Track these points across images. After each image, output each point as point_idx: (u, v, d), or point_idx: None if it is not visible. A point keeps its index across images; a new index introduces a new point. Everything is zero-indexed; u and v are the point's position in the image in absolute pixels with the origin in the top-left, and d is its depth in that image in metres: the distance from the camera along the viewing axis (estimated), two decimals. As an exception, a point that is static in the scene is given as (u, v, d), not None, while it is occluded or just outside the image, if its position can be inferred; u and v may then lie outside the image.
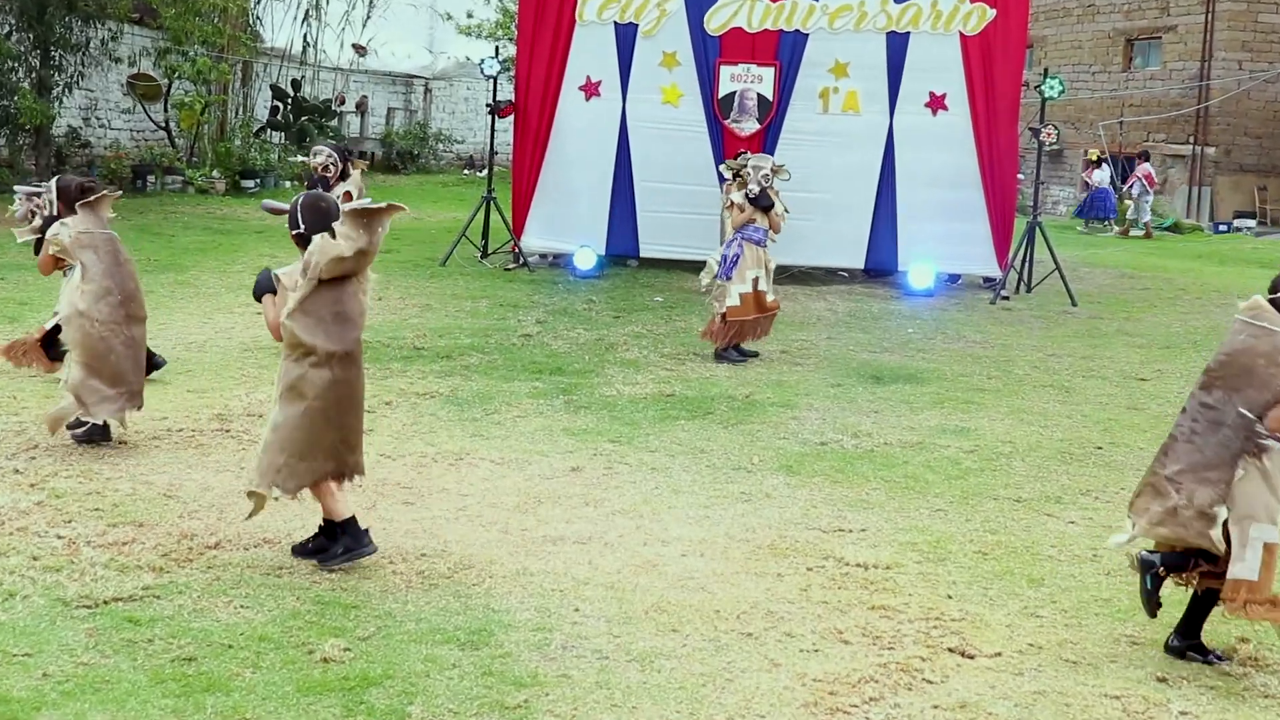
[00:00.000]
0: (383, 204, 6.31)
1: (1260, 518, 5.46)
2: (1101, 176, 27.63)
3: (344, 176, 11.46)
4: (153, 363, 10.07)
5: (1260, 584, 5.44)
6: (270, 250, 17.61)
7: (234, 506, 7.29)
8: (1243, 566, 5.45)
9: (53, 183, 7.89)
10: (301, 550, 6.58)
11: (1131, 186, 26.97)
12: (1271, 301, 5.57)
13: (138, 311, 8.43)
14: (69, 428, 8.24)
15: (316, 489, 6.44)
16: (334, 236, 6.21)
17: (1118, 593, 6.63)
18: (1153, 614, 5.77)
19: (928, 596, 6.47)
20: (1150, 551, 5.83)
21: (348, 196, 11.37)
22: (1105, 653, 5.90)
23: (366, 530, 6.50)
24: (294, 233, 6.42)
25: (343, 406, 6.47)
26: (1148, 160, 27.22)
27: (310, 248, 6.26)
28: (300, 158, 11.44)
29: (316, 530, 6.62)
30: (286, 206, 6.66)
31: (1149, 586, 5.75)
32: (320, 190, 6.58)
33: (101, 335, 8.16)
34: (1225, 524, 5.50)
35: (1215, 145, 28.31)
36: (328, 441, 6.43)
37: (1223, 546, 5.51)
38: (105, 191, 8.56)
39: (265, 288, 6.45)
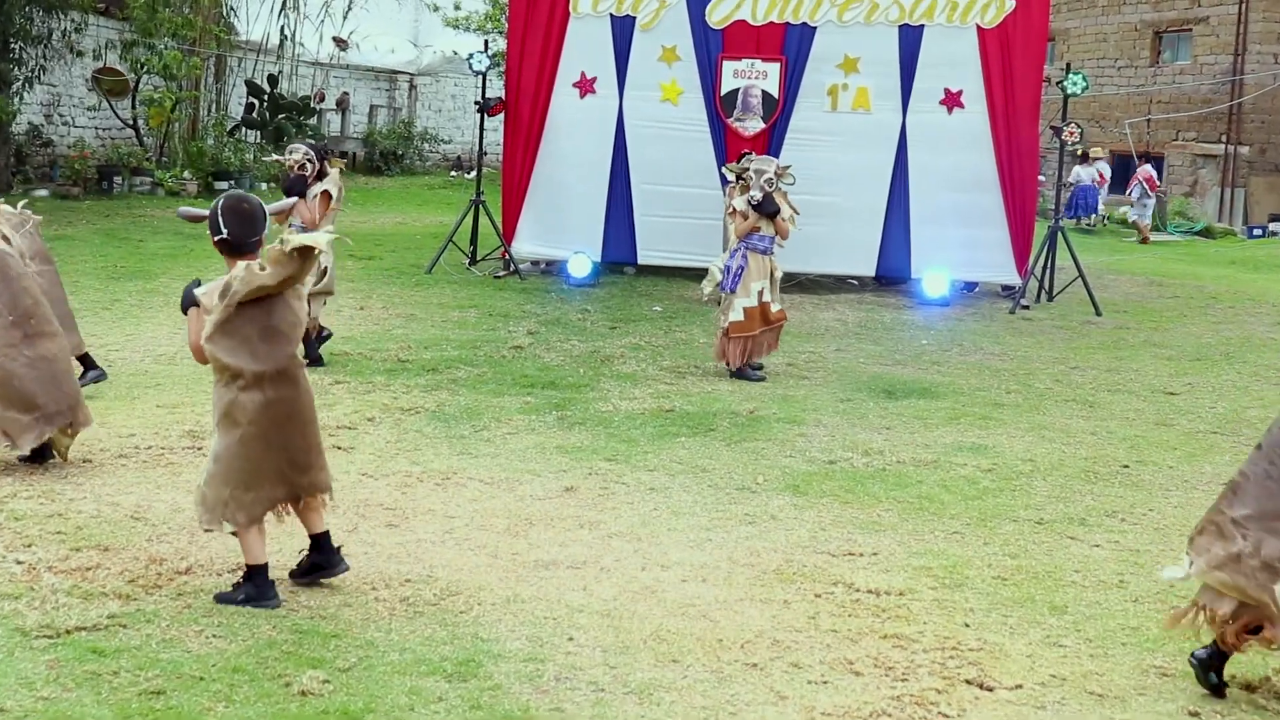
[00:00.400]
0: (328, 238, 6.26)
1: None
2: (1083, 174, 27.63)
3: (321, 176, 11.43)
4: (85, 375, 10.13)
5: None
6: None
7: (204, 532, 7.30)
8: None
9: None
10: (300, 574, 6.56)
11: (1131, 190, 27.05)
12: None
13: (41, 328, 8.28)
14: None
15: (241, 529, 6.32)
16: (262, 250, 6.17)
17: (1146, 621, 6.63)
18: (1221, 696, 5.70)
19: (944, 625, 6.46)
20: (1203, 649, 5.77)
21: (325, 196, 11.38)
22: (1133, 685, 5.89)
23: (273, 583, 6.38)
24: (216, 239, 6.28)
25: (283, 428, 6.34)
26: (1149, 162, 27.26)
27: (233, 272, 6.16)
28: (275, 157, 11.42)
29: (308, 549, 6.58)
30: (203, 213, 6.53)
31: (1213, 681, 5.69)
32: (243, 192, 6.49)
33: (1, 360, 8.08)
34: None
35: (1249, 144, 28.36)
36: (271, 467, 6.32)
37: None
38: None
39: (191, 301, 6.30)
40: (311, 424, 6.55)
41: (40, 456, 8.28)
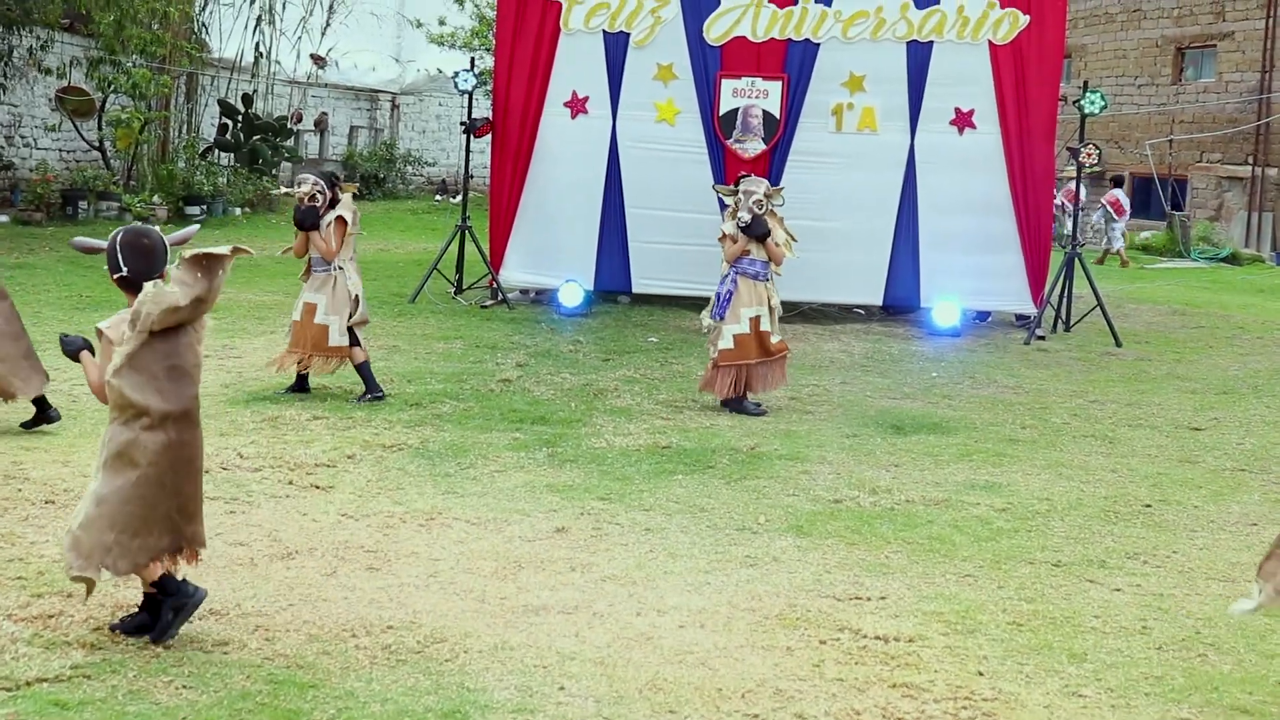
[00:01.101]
0: (225, 248, 6.22)
1: None
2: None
3: (333, 203, 11.52)
4: (45, 415, 10.27)
5: None
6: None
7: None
8: None
9: None
10: (124, 626, 6.45)
11: (1095, 214, 27.16)
12: None
13: None
14: None
15: (144, 569, 6.28)
16: (164, 281, 6.14)
17: (1170, 670, 6.64)
18: None
19: (956, 673, 6.47)
20: None
21: (340, 222, 11.44)
22: (1156, 736, 5.91)
23: (187, 584, 6.39)
24: (115, 276, 6.30)
25: (179, 472, 6.32)
26: (1119, 186, 27.29)
27: (140, 296, 6.12)
28: (285, 190, 11.40)
29: (140, 605, 6.50)
30: (101, 244, 6.57)
31: None
32: (143, 225, 6.50)
33: None
34: None
35: (1277, 166, 28.43)
36: (162, 512, 6.27)
37: None
38: None
39: (77, 346, 6.36)
40: (200, 472, 6.53)
41: None
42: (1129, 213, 27.52)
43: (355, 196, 12.02)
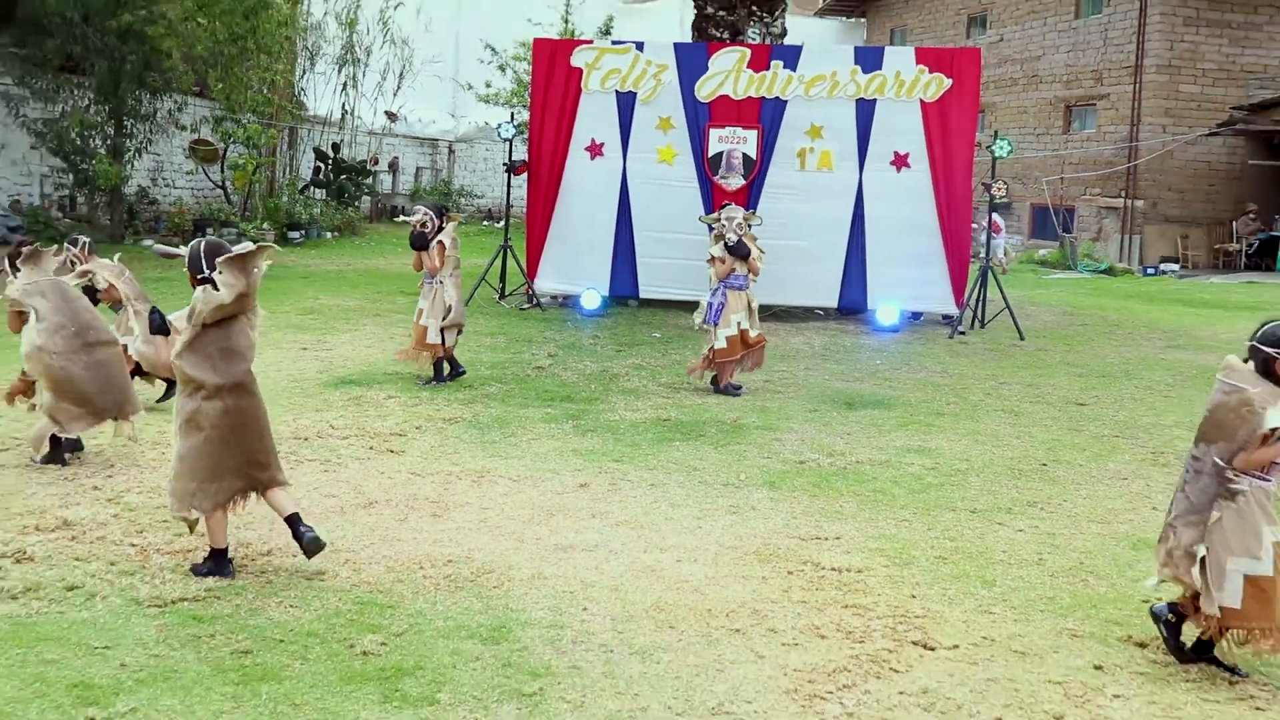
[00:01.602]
0: (254, 246, 6.23)
1: (1237, 553, 5.47)
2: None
3: (440, 230, 11.56)
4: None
5: (1244, 612, 5.46)
6: (314, 293, 17.67)
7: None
8: (1223, 595, 5.47)
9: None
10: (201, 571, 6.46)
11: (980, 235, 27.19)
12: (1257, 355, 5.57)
13: (97, 338, 8.44)
14: (41, 460, 8.33)
15: (210, 516, 6.34)
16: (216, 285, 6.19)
17: (1060, 592, 6.65)
18: (1181, 661, 5.70)
19: (894, 596, 6.49)
20: (1164, 603, 5.85)
21: (441, 246, 11.47)
22: (1049, 645, 5.92)
23: (230, 562, 6.44)
24: (199, 276, 6.29)
25: (240, 432, 6.37)
26: (996, 211, 27.24)
27: (195, 296, 6.22)
28: (404, 218, 11.43)
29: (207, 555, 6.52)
30: (179, 251, 6.69)
31: (1164, 634, 5.75)
32: (219, 239, 6.55)
33: (59, 364, 8.22)
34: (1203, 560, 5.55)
35: (1143, 199, 28.42)
36: (232, 464, 6.34)
37: (1200, 582, 5.54)
38: (37, 247, 8.69)
39: (159, 329, 6.49)
40: (267, 430, 6.57)
41: (74, 448, 8.49)
42: (1004, 231, 27.48)
43: (458, 225, 12.05)
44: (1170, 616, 5.77)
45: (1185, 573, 5.59)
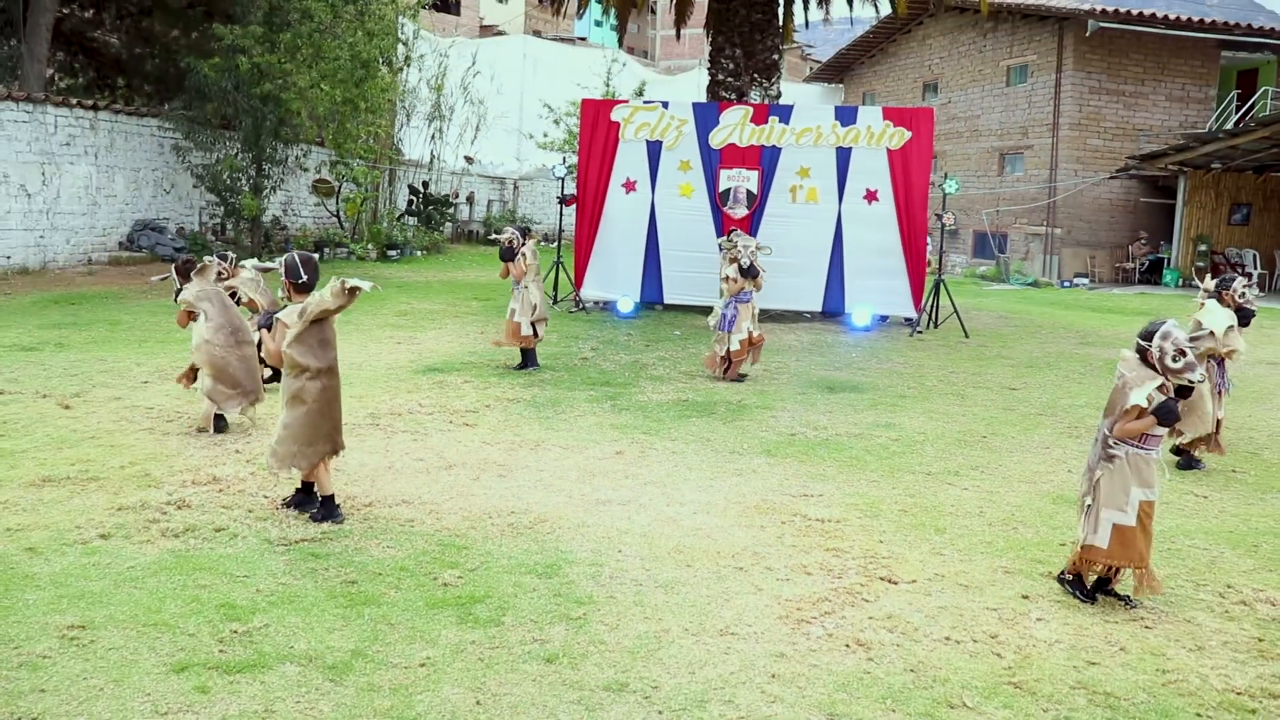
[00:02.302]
0: (367, 284, 6.20)
1: (1109, 505, 5.47)
2: None
3: (522, 245, 11.63)
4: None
5: (1109, 552, 5.46)
6: (407, 299, 17.69)
7: (382, 477, 7.32)
8: (1096, 538, 5.50)
9: (281, 261, 7.77)
10: (290, 502, 6.57)
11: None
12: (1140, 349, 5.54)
13: (245, 338, 8.54)
14: (201, 430, 8.42)
15: (315, 470, 6.42)
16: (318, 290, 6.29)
17: (996, 538, 6.59)
18: (1091, 601, 5.62)
19: (866, 541, 6.44)
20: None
21: (524, 258, 11.57)
22: (987, 579, 5.87)
23: (338, 506, 6.47)
24: (297, 281, 6.42)
25: (331, 405, 6.44)
26: (995, 238, 27.21)
27: (309, 300, 6.29)
28: (495, 236, 11.49)
29: (296, 489, 6.63)
30: (273, 265, 6.86)
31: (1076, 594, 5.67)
32: (308, 252, 6.61)
33: (221, 355, 8.35)
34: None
35: (1060, 227, 28.28)
36: (324, 430, 6.41)
37: (1080, 522, 5.63)
38: (205, 262, 8.75)
39: (265, 323, 6.53)
40: (341, 402, 6.60)
41: (222, 425, 8.52)
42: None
43: (537, 242, 12.12)
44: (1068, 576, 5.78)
45: (1080, 519, 5.65)
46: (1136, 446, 5.44)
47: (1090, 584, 5.67)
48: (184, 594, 5.21)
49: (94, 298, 16.00)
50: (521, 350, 11.76)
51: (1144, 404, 5.36)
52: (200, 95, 21.32)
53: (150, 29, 26.39)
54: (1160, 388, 5.37)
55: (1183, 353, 5.34)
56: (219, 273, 9.09)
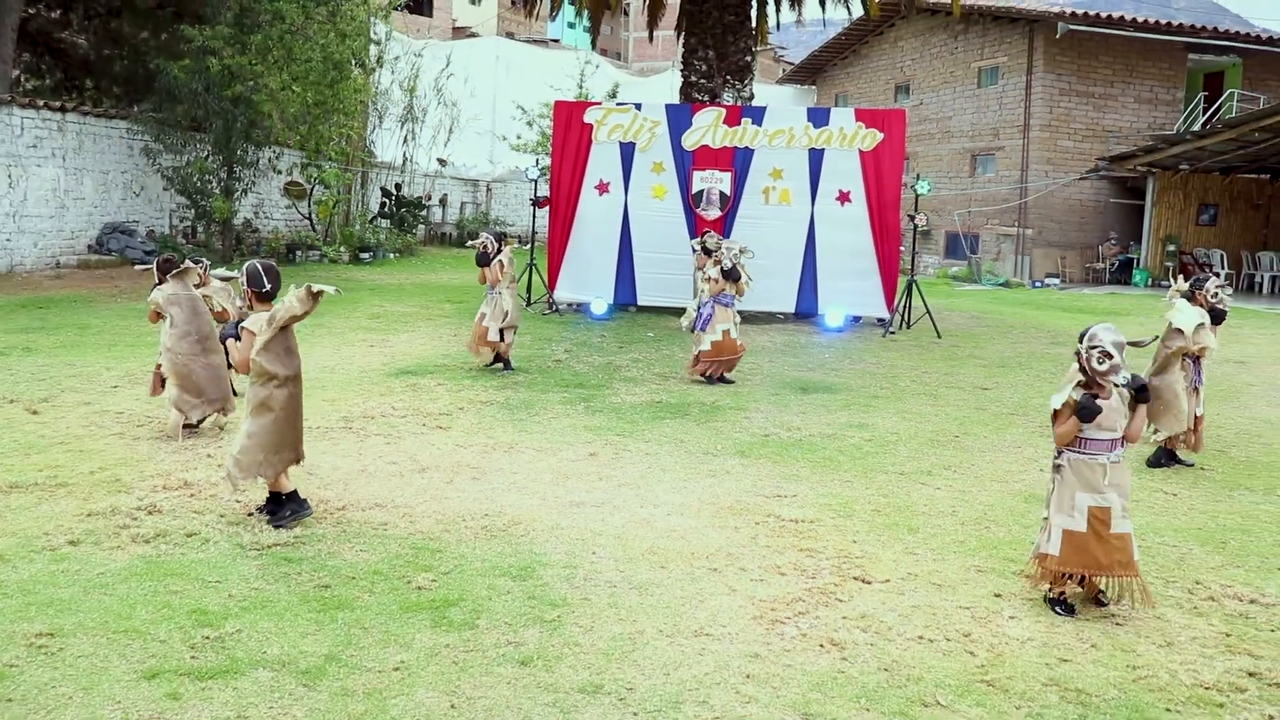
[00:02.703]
0: (331, 288, 6.22)
1: (1061, 511, 5.50)
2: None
3: (499, 251, 11.61)
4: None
5: (1062, 558, 5.46)
6: (379, 302, 17.62)
7: (355, 480, 7.29)
8: (1049, 545, 5.51)
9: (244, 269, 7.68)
10: (261, 510, 6.46)
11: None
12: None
13: (212, 346, 8.47)
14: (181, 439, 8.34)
15: (279, 479, 6.36)
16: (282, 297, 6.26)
17: (969, 537, 6.63)
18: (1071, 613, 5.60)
19: (839, 541, 6.46)
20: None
21: (500, 265, 11.58)
22: (960, 578, 5.90)
23: (304, 499, 6.46)
24: (260, 290, 6.41)
25: (295, 413, 6.40)
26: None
27: (276, 305, 6.25)
28: (471, 243, 11.40)
29: (266, 499, 6.50)
30: (236, 274, 6.90)
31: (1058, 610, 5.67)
32: (270, 261, 6.59)
33: (184, 363, 8.31)
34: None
35: (1032, 228, 28.46)
36: (290, 439, 6.37)
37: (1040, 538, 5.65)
38: (187, 265, 8.69)
39: (229, 334, 6.40)
40: (302, 411, 6.56)
41: (194, 428, 8.47)
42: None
43: (513, 249, 12.15)
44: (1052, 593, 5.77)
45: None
46: (1077, 452, 5.47)
47: (1070, 597, 5.65)
48: (155, 600, 5.17)
49: (62, 301, 15.86)
50: (497, 355, 11.75)
51: (1058, 407, 5.44)
52: (170, 97, 21.17)
53: (119, 30, 26.18)
54: (1084, 387, 5.42)
55: (1107, 355, 5.36)
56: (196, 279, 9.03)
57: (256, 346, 6.24)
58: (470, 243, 12.55)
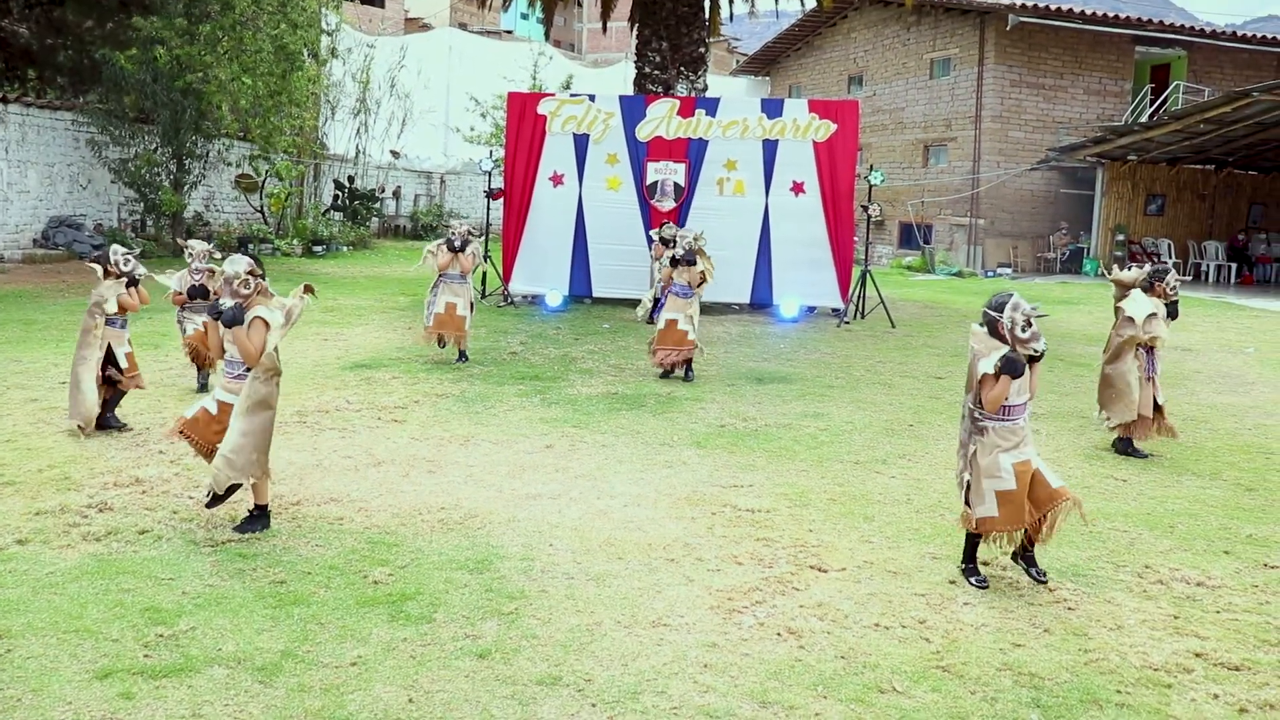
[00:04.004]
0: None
1: (989, 475, 5.60)
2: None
3: (466, 244, 11.54)
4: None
5: (1001, 518, 5.57)
6: (333, 295, 17.48)
7: (310, 475, 7.24)
8: (985, 509, 5.61)
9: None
10: (247, 525, 6.19)
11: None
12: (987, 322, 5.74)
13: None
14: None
15: (263, 480, 6.14)
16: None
17: (924, 524, 6.70)
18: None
19: (795, 530, 6.50)
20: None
21: (472, 255, 11.65)
22: (915, 565, 5.96)
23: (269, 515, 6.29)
24: (264, 278, 6.21)
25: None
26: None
27: (291, 303, 6.12)
28: (447, 234, 11.28)
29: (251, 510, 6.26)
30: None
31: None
32: (250, 253, 6.43)
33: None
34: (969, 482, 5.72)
35: (984, 218, 28.74)
36: (270, 438, 6.18)
37: (962, 499, 5.77)
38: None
39: (236, 320, 6.03)
40: None
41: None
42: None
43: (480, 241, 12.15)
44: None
45: (959, 494, 5.80)
46: (1000, 420, 5.59)
47: (1013, 554, 5.79)
48: (106, 599, 5.11)
49: (7, 297, 15.58)
50: (441, 340, 11.68)
51: (990, 371, 5.55)
52: (116, 88, 20.85)
53: (62, 19, 25.71)
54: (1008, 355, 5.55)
55: (1029, 322, 5.52)
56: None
57: (274, 341, 6.02)
58: (446, 224, 12.30)
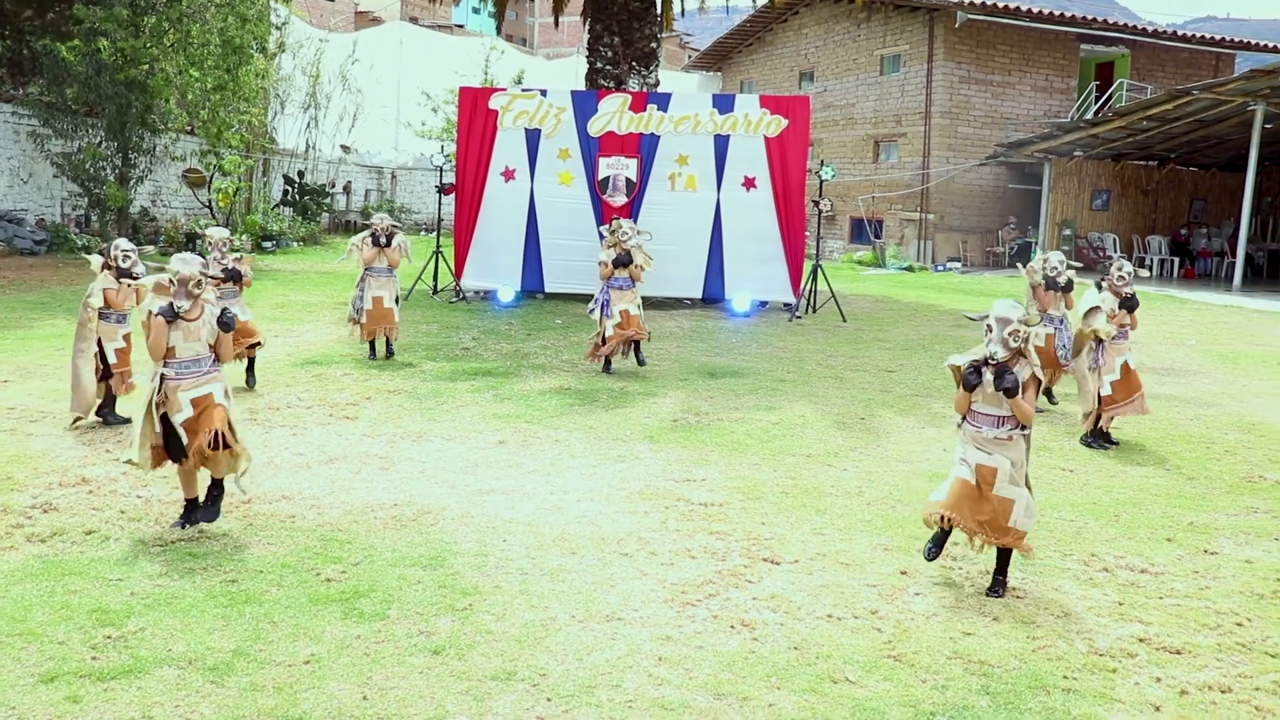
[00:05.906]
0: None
1: (955, 462, 5.67)
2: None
3: (392, 238, 11.46)
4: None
5: (946, 503, 5.59)
6: (283, 291, 17.30)
7: (261, 472, 7.17)
8: (938, 493, 5.71)
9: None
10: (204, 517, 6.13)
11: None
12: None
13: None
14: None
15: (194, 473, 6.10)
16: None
17: (875, 516, 6.75)
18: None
19: (748, 524, 6.53)
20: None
21: (395, 250, 11.54)
22: (867, 557, 6.01)
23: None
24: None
25: None
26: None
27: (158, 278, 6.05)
28: (368, 224, 11.17)
29: (208, 498, 6.17)
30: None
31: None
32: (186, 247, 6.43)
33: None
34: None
35: (934, 213, 29.03)
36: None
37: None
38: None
39: (233, 325, 6.11)
40: None
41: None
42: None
43: (406, 233, 12.03)
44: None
45: None
46: (970, 424, 5.62)
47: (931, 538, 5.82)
48: (52, 601, 5.03)
49: (-52, 294, 15.28)
50: (372, 340, 11.58)
51: (949, 365, 5.63)
52: (58, 80, 20.48)
53: (0, 8, 25.23)
54: (980, 360, 5.57)
55: (989, 328, 5.56)
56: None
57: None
58: (370, 223, 12.17)
